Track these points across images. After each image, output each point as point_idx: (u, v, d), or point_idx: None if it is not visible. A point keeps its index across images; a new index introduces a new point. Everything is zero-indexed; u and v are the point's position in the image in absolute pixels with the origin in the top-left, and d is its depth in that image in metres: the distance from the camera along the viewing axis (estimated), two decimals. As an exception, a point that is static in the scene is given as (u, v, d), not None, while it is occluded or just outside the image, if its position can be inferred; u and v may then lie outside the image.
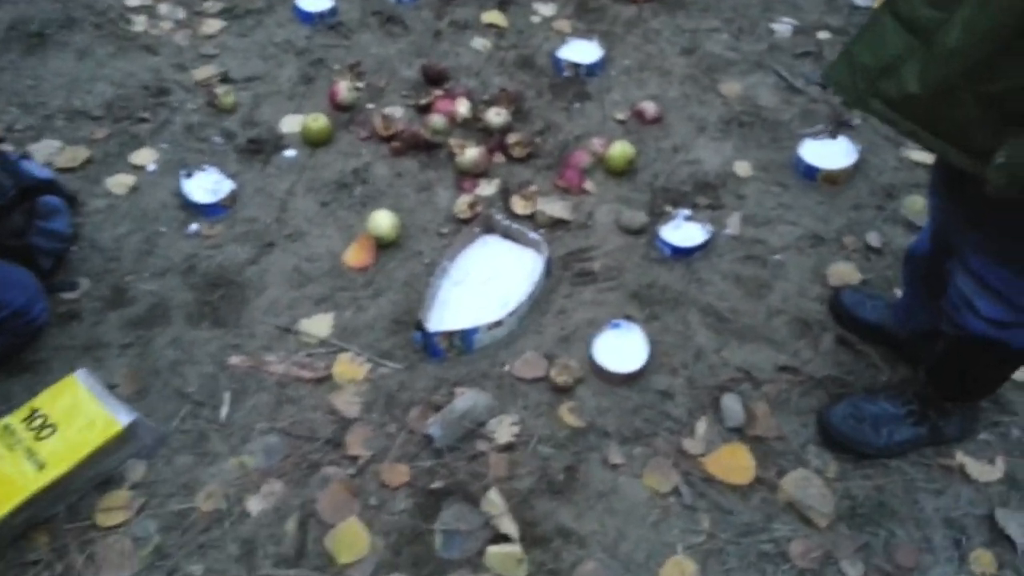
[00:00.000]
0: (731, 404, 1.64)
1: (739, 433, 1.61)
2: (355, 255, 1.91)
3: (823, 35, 2.52)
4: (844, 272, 1.87)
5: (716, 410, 1.64)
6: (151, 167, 2.10)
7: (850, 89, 1.19)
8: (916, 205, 1.99)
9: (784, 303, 1.83)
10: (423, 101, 2.27)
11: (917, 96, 1.10)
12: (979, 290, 1.29)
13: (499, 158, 2.14)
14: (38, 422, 1.52)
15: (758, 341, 1.76)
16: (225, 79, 2.35)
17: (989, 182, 1.05)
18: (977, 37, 1.02)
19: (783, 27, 2.53)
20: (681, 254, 1.90)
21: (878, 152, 2.15)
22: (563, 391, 1.67)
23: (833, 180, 2.06)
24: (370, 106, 2.29)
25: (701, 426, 1.62)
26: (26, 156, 2.00)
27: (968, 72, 1.04)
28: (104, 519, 1.48)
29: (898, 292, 1.81)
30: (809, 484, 1.53)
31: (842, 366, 1.71)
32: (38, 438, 1.49)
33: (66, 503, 1.49)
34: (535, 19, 2.57)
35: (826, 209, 2.02)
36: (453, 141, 2.13)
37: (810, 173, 2.07)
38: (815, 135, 2.10)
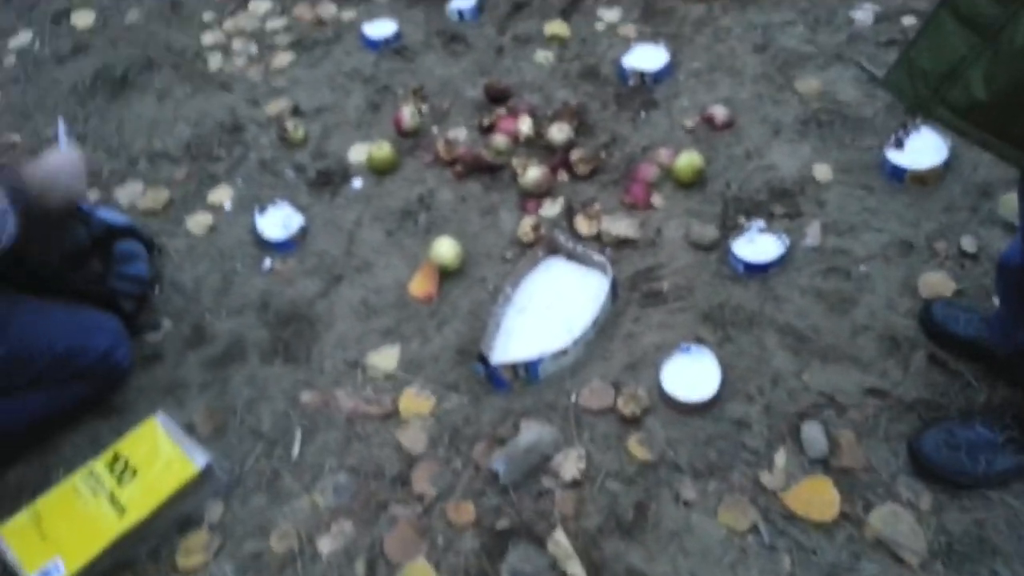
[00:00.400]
0: (813, 433, 1.54)
1: (822, 464, 1.52)
2: (419, 285, 1.91)
3: (908, 20, 2.34)
4: (936, 282, 1.74)
5: (796, 440, 1.55)
6: (227, 205, 2.16)
7: (911, 96, 1.09)
8: (1013, 203, 1.82)
9: (870, 319, 1.71)
10: (486, 121, 2.24)
11: (985, 102, 0.99)
12: None
13: (563, 176, 2.09)
14: (120, 466, 1.58)
15: (842, 362, 1.66)
16: (296, 112, 2.39)
17: None
18: None
19: (864, 14, 2.37)
20: (756, 270, 1.81)
21: (971, 147, 1.97)
22: (631, 422, 1.62)
23: (923, 180, 1.92)
24: (434, 130, 2.28)
25: (780, 458, 1.53)
26: (107, 203, 2.10)
27: None
28: (184, 561, 1.53)
29: (996, 302, 1.66)
30: (899, 519, 1.43)
31: (935, 387, 1.59)
32: (120, 482, 1.55)
33: (148, 546, 1.54)
34: (599, 26, 2.50)
35: (915, 212, 1.88)
36: (516, 161, 2.10)
37: (897, 174, 1.93)
38: (888, 145, 1.94)
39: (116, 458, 1.59)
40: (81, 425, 1.75)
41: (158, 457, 1.58)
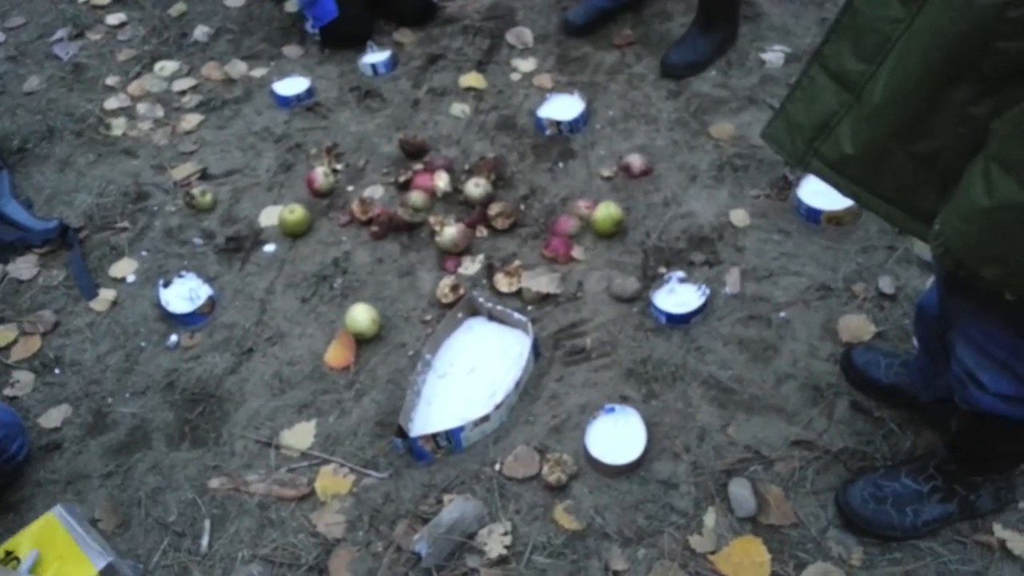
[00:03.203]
0: (740, 491, 1.50)
1: (751, 523, 1.48)
2: (336, 354, 1.83)
3: (818, 60, 2.37)
4: (856, 325, 1.73)
5: (724, 498, 1.51)
6: (131, 278, 2.06)
7: (788, 148, 1.09)
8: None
9: (793, 367, 1.69)
10: (403, 178, 2.19)
11: (853, 157, 0.99)
12: (982, 361, 1.15)
13: (482, 231, 2.04)
14: (12, 565, 1.46)
15: (767, 413, 1.63)
16: (204, 175, 2.31)
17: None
18: (900, 91, 0.92)
19: (775, 56, 2.39)
20: (677, 321, 1.78)
21: (885, 185, 1.99)
22: (558, 489, 1.56)
23: (838, 221, 1.92)
24: (350, 188, 2.22)
25: (710, 518, 1.49)
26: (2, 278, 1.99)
27: (898, 130, 0.94)
28: (81, 676, 1.41)
29: (916, 345, 1.65)
30: (832, 577, 1.39)
31: (860, 436, 1.56)
32: (11, 587, 1.43)
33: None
34: (515, 76, 2.48)
35: (833, 255, 1.88)
36: (433, 219, 2.05)
37: (813, 216, 1.93)
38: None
39: (7, 558, 1.47)
40: (-31, 529, 1.62)
41: (56, 555, 1.47)
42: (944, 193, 0.94)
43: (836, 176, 1.03)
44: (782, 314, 1.78)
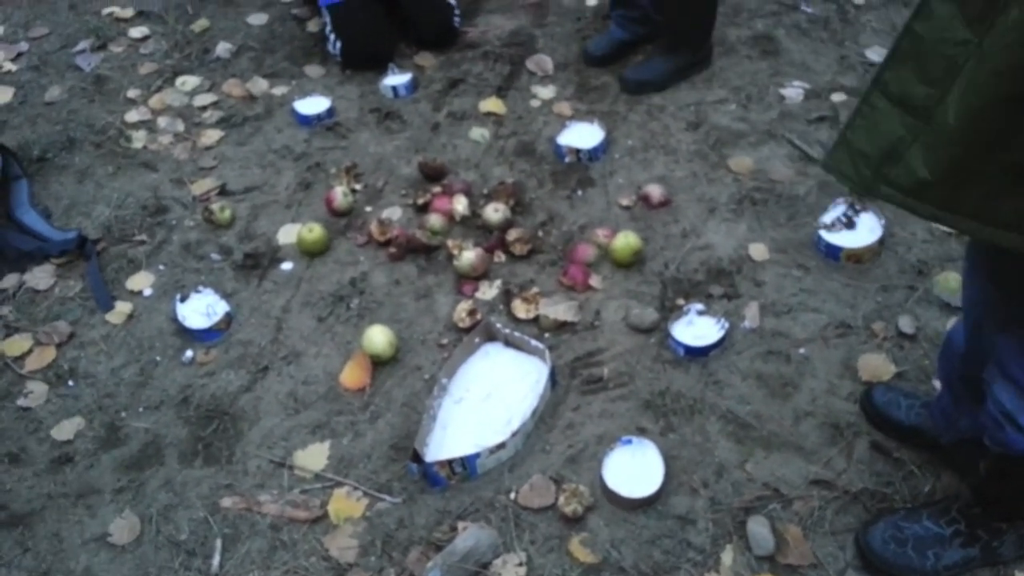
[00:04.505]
0: (759, 529, 1.49)
1: (769, 562, 1.47)
2: (351, 376, 1.82)
3: (838, 97, 2.39)
4: (876, 364, 1.72)
5: (742, 536, 1.50)
6: (147, 292, 2.06)
7: (854, 177, 1.05)
8: (950, 282, 1.84)
9: (812, 404, 1.69)
10: (421, 200, 2.20)
11: (931, 181, 0.97)
12: (1021, 402, 1.14)
13: (500, 256, 2.04)
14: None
15: (786, 450, 1.62)
16: (223, 191, 2.31)
17: None
18: (978, 112, 0.90)
19: (794, 91, 2.41)
20: (696, 354, 1.77)
21: (905, 224, 2.00)
22: (573, 521, 1.54)
23: (858, 259, 1.92)
24: (368, 209, 2.23)
25: (727, 556, 1.47)
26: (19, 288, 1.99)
27: (978, 149, 0.92)
28: None
29: (937, 384, 1.65)
30: (850, 620, 1.38)
31: (880, 476, 1.56)
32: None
33: None
34: (535, 103, 2.49)
35: (852, 292, 1.88)
36: (451, 242, 2.05)
37: (832, 252, 1.93)
38: (831, 228, 1.94)
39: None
40: (-21, 540, 1.61)
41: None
42: None
43: (912, 201, 1.00)
44: (801, 350, 1.78)
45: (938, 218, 1.01)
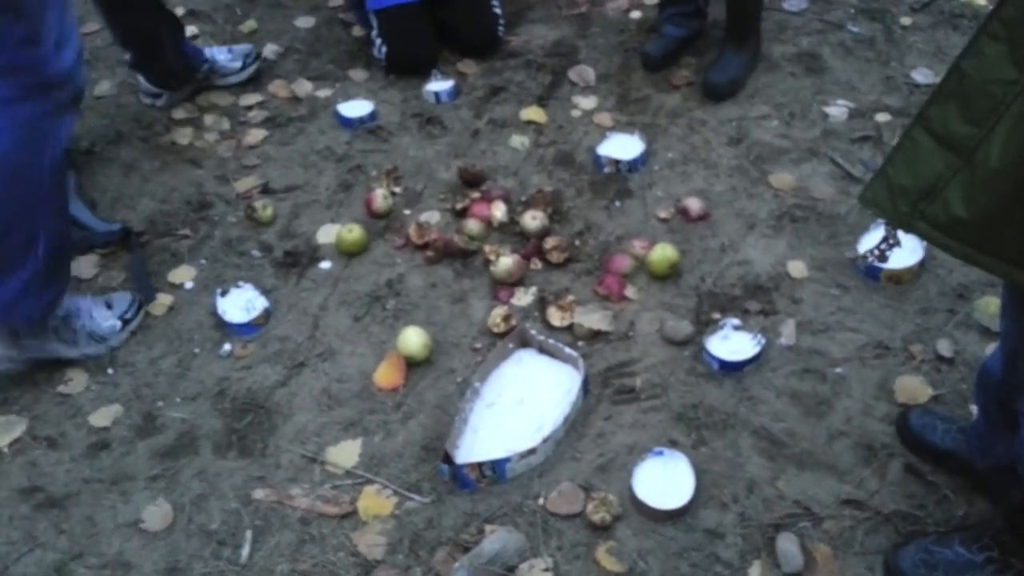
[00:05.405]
0: (788, 546, 1.48)
1: (798, 580, 1.45)
2: (385, 375, 1.84)
3: (882, 117, 2.37)
4: (913, 387, 1.70)
5: (771, 552, 1.49)
6: (188, 285, 2.09)
7: (891, 211, 1.07)
8: (991, 307, 1.81)
9: (846, 424, 1.67)
10: (459, 205, 2.21)
11: (967, 220, 0.97)
12: None
13: (536, 264, 2.05)
14: None
15: (818, 469, 1.61)
16: (265, 190, 2.35)
17: None
18: (1020, 158, 0.90)
19: (838, 110, 2.39)
20: (730, 368, 1.77)
21: (947, 247, 1.97)
22: (601, 529, 1.54)
23: (898, 280, 1.90)
24: (407, 212, 2.25)
25: (755, 572, 1.47)
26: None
27: (1020, 192, 0.92)
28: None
29: (974, 409, 1.63)
30: (879, 644, 1.36)
31: (912, 499, 1.54)
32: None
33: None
34: (575, 113, 2.51)
35: (891, 313, 1.86)
36: (488, 248, 2.07)
37: (872, 273, 1.92)
38: (865, 260, 1.93)
39: None
40: (15, 519, 1.64)
41: None
42: None
43: (946, 239, 1.01)
44: (838, 370, 1.76)
45: (972, 259, 1.02)
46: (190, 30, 2.96)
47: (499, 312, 1.92)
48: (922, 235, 1.05)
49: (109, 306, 1.95)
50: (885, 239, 1.89)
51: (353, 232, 2.11)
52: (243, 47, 2.71)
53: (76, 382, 1.90)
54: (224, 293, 2.02)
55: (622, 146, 2.31)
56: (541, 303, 1.96)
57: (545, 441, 1.65)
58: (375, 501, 1.64)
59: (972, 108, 0.94)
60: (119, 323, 1.94)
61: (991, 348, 1.74)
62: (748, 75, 2.53)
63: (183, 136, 2.53)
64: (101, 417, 1.82)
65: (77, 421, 1.82)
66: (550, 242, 2.06)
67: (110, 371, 1.92)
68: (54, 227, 1.73)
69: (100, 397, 1.87)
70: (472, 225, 2.13)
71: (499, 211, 2.15)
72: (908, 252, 1.92)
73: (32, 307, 1.75)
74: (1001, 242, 0.98)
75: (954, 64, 0.96)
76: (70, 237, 1.86)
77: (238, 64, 2.67)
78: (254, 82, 2.71)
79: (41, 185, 1.68)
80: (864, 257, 1.93)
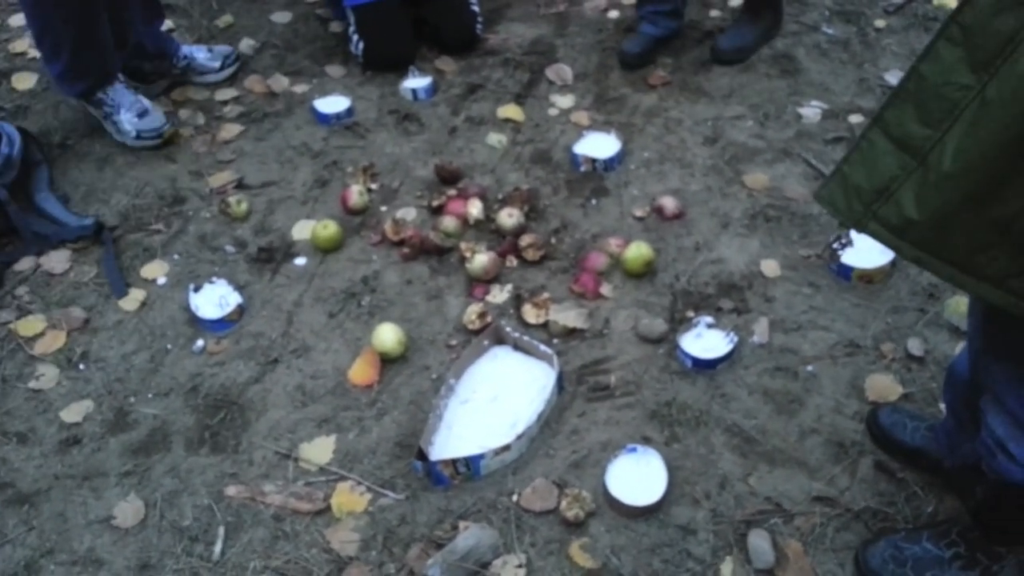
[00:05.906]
0: (760, 543, 1.49)
1: None
2: (360, 372, 1.84)
3: (855, 119, 2.40)
4: (883, 385, 1.73)
5: (743, 548, 1.50)
6: (161, 280, 2.07)
7: (845, 211, 1.08)
8: (960, 307, 1.84)
9: (818, 421, 1.69)
10: (436, 202, 2.21)
11: (918, 222, 0.99)
12: (1015, 432, 1.14)
13: (512, 261, 2.06)
14: None
15: (789, 466, 1.62)
16: (240, 185, 2.33)
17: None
18: (974, 159, 0.92)
19: (812, 111, 2.42)
20: (704, 366, 1.78)
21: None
22: (575, 526, 1.55)
23: (869, 279, 1.93)
24: (383, 209, 2.24)
25: (726, 568, 1.48)
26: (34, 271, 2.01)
27: (970, 197, 0.94)
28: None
29: (943, 407, 1.65)
30: (847, 638, 1.38)
31: (882, 496, 1.56)
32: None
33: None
34: (552, 111, 2.51)
35: (862, 312, 1.88)
36: (464, 245, 2.06)
37: (844, 272, 1.94)
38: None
39: None
40: (-16, 517, 1.62)
41: None
42: (1019, 255, 0.94)
43: (896, 240, 1.02)
44: (809, 368, 1.78)
45: (921, 261, 1.03)
46: (165, 24, 2.92)
47: (474, 309, 1.92)
48: (874, 235, 1.06)
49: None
50: (838, 238, 1.93)
51: (328, 228, 2.10)
52: (223, 48, 2.69)
53: (47, 377, 1.88)
54: (197, 289, 2.00)
55: (598, 145, 2.32)
56: (517, 300, 1.97)
57: (519, 438, 1.65)
58: (349, 498, 1.63)
59: (928, 111, 0.95)
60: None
61: (960, 347, 1.76)
62: (757, 47, 2.60)
63: (157, 130, 2.50)
64: (72, 413, 1.80)
65: (48, 417, 1.80)
66: (526, 240, 2.06)
67: (81, 367, 1.90)
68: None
69: (71, 392, 1.85)
70: (448, 222, 2.13)
71: (475, 208, 2.15)
72: (880, 251, 1.94)
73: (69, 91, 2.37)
74: (948, 246, 0.99)
75: (912, 67, 0.97)
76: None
77: (216, 64, 2.65)
78: (230, 77, 2.69)
79: None
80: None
